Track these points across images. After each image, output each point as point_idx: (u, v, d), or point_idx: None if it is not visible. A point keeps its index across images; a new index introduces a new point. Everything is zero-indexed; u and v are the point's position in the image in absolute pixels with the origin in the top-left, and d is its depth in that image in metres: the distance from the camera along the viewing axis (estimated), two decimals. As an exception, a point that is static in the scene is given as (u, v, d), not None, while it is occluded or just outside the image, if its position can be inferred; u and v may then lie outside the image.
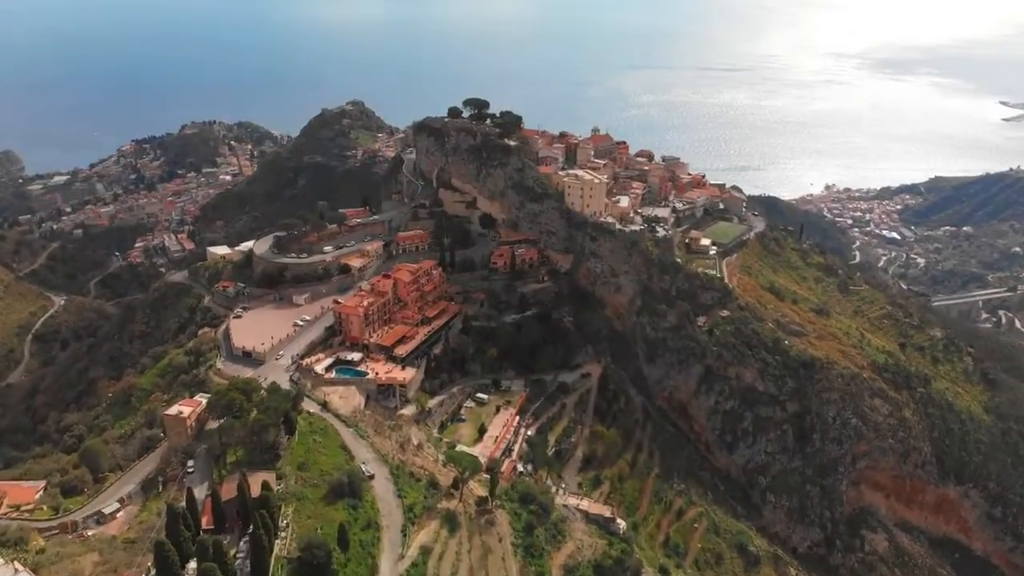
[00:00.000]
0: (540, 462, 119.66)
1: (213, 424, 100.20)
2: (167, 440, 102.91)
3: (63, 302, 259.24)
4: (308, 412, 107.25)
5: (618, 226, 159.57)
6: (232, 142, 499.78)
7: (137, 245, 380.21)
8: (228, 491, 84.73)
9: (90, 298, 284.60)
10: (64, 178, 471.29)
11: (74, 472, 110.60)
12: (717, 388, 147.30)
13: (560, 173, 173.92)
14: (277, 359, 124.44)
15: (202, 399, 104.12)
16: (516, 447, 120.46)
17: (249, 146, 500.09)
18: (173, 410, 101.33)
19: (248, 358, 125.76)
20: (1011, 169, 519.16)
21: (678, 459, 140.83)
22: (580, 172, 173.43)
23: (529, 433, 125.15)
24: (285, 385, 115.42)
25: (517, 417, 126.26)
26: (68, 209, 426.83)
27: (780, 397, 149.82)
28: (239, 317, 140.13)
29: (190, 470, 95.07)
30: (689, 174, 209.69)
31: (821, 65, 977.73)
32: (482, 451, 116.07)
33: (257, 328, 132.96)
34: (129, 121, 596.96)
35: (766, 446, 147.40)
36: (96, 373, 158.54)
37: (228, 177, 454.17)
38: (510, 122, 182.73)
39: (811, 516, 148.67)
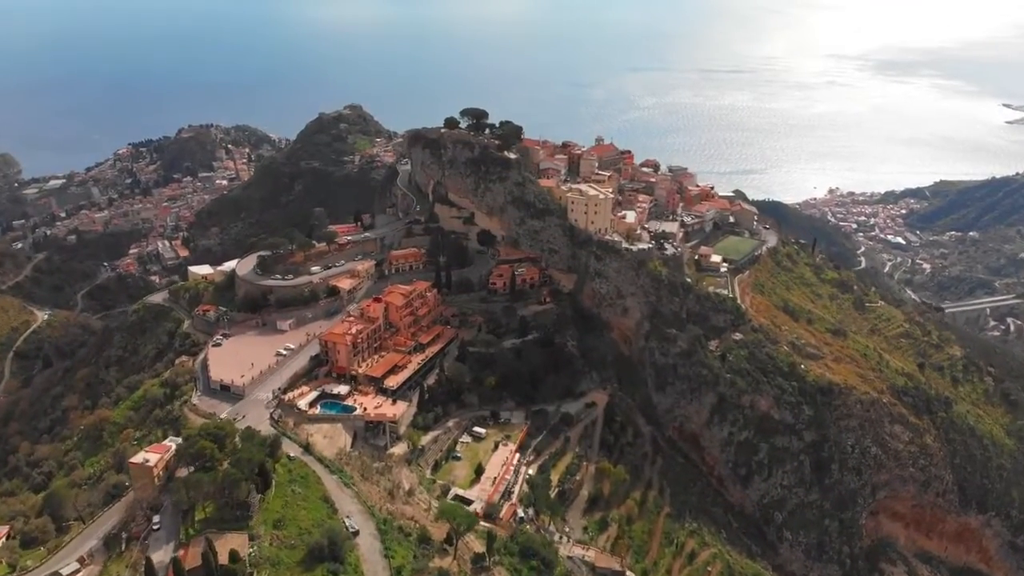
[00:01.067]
0: (542, 505, 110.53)
1: (183, 472, 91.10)
2: (132, 490, 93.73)
3: (47, 316, 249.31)
4: (288, 456, 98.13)
5: (625, 244, 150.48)
6: (229, 146, 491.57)
7: (131, 251, 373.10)
8: (192, 557, 75.67)
9: (76, 311, 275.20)
10: (60, 182, 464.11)
11: (35, 522, 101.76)
12: (731, 418, 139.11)
13: (563, 187, 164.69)
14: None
15: (172, 444, 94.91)
16: (516, 488, 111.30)
17: (247, 150, 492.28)
18: (138, 458, 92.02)
19: (226, 392, 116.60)
20: (1017, 173, 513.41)
21: (689, 495, 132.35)
22: (584, 187, 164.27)
23: (530, 472, 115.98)
24: (265, 423, 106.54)
25: (517, 454, 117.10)
26: (62, 214, 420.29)
27: (797, 426, 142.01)
28: (218, 345, 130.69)
29: (155, 527, 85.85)
30: (697, 185, 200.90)
31: (822, 67, 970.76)
32: (479, 494, 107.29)
33: (237, 358, 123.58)
34: (127, 123, 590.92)
35: (782, 479, 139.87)
36: (70, 401, 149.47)
37: (224, 182, 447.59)
38: (510, 133, 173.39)
39: (829, 552, 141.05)
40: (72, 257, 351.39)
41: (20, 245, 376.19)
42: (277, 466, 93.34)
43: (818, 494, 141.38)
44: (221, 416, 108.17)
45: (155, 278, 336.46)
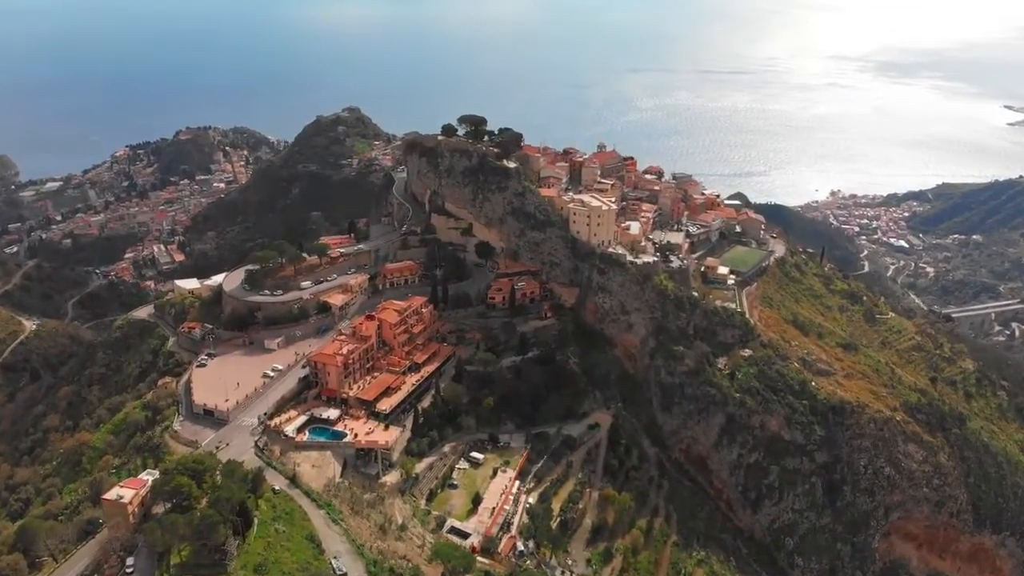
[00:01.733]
0: (543, 537, 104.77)
1: (160, 509, 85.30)
2: (106, 528, 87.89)
3: (35, 326, 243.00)
4: (273, 490, 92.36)
5: (629, 258, 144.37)
6: (227, 148, 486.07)
7: (127, 256, 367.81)
8: (166, 609, 70.01)
9: (66, 320, 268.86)
10: (57, 184, 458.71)
11: (7, 558, 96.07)
12: (740, 439, 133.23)
13: (564, 197, 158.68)
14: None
15: (148, 478, 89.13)
16: (516, 519, 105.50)
17: (245, 152, 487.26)
18: (112, 494, 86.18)
19: (210, 417, 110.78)
20: (1020, 176, 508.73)
21: (697, 521, 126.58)
22: (586, 197, 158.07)
23: (530, 501, 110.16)
24: (249, 452, 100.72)
25: (517, 481, 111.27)
26: (58, 217, 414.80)
27: (808, 447, 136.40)
28: (203, 365, 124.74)
29: (129, 570, 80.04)
30: (702, 193, 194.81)
31: (823, 68, 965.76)
32: (477, 526, 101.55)
33: (222, 379, 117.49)
34: (126, 125, 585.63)
35: (793, 502, 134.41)
36: (51, 421, 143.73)
37: (222, 185, 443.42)
38: (509, 140, 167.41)
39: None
40: (67, 262, 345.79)
41: (15, 249, 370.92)
42: (260, 502, 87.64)
43: (830, 517, 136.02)
44: (203, 444, 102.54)
45: (150, 283, 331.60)
